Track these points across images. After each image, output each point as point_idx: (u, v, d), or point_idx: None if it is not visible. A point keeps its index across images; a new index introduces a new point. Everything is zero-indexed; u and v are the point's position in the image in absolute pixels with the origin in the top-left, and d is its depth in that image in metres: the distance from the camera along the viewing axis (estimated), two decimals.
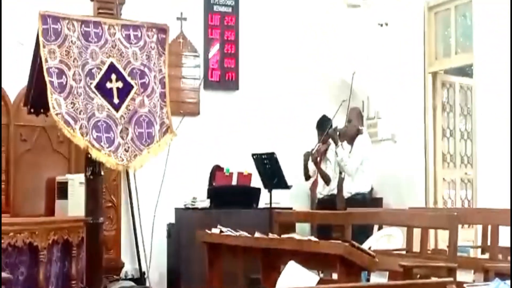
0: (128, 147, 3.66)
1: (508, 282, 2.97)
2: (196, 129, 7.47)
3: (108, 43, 3.74)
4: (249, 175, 6.80)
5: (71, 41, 3.65)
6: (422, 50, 7.00)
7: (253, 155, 6.59)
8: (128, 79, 3.74)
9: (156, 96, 3.80)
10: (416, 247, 4.88)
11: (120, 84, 3.72)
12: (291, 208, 6.75)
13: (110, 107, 3.67)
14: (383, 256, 4.18)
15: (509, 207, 5.02)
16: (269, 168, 6.44)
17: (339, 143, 6.68)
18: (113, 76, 3.71)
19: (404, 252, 4.89)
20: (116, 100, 3.69)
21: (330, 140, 6.84)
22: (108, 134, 3.62)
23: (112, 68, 3.72)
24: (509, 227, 4.62)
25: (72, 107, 3.56)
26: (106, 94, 3.68)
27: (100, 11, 6.45)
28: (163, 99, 3.81)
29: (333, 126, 6.83)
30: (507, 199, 5.49)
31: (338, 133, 6.72)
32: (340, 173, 6.78)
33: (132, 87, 3.75)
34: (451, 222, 4.28)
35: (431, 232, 5.91)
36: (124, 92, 3.72)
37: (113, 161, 3.61)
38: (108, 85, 3.70)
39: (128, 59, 3.77)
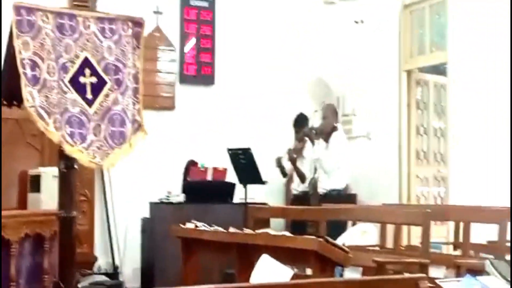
0: (101, 145, 3.61)
1: (479, 277, 3.01)
2: (172, 123, 7.45)
3: (82, 36, 3.69)
4: (224, 170, 6.79)
5: (46, 33, 3.59)
6: (397, 48, 7.04)
7: (228, 150, 6.58)
8: (102, 74, 3.69)
9: (129, 93, 3.75)
10: (390, 243, 4.92)
11: (93, 79, 3.67)
12: (266, 204, 6.77)
13: (83, 102, 3.62)
14: (357, 252, 4.20)
15: (480, 205, 5.09)
16: (244, 163, 6.44)
17: (315, 141, 6.70)
18: (87, 71, 3.66)
19: (377, 248, 4.93)
20: (89, 96, 3.64)
21: (306, 138, 6.85)
22: (81, 130, 3.57)
23: (86, 63, 3.66)
24: (479, 224, 4.70)
25: (46, 101, 3.50)
26: (79, 89, 3.62)
27: (75, 3, 6.39)
28: (136, 95, 3.76)
29: (309, 125, 6.85)
30: (479, 196, 5.56)
31: (314, 131, 6.74)
32: (315, 171, 6.80)
33: (105, 82, 3.70)
34: (424, 219, 4.32)
35: (405, 228, 5.96)
36: (98, 87, 3.67)
37: (86, 158, 3.56)
38: (82, 80, 3.64)
39: (103, 54, 3.71)
